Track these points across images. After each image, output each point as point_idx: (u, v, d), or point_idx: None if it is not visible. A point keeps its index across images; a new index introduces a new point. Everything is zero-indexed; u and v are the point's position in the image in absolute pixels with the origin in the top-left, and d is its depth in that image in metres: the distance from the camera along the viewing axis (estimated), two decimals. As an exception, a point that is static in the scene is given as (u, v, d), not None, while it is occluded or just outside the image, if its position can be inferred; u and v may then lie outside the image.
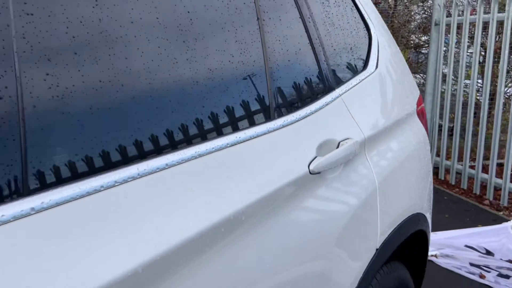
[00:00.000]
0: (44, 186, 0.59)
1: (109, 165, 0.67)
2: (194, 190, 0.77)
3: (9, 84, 0.57)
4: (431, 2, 5.20)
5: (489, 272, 2.79)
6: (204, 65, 0.88)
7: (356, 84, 1.35)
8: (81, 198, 0.61)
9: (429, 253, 2.58)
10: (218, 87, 0.90)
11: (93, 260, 0.59)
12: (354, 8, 1.52)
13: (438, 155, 4.68)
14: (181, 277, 0.70)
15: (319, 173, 1.05)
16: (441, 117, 4.74)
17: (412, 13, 5.56)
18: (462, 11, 4.32)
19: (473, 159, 4.39)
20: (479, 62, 4.41)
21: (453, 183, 4.43)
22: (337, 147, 1.15)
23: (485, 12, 4.09)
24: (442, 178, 4.55)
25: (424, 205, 1.55)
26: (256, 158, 0.93)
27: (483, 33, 4.22)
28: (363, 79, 1.39)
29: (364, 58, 1.49)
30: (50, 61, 0.62)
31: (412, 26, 5.47)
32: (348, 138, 1.19)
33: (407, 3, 5.44)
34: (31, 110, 0.59)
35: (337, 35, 1.36)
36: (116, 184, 0.65)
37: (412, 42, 5.58)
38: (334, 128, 1.18)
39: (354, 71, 1.40)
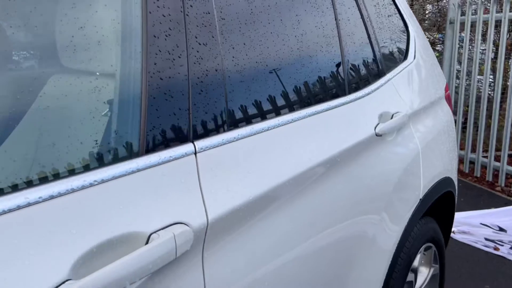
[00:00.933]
0: (241, 121, 0.96)
1: (279, 112, 1.04)
2: (311, 137, 1.14)
3: (217, 57, 0.94)
4: (445, 1, 5.55)
5: (502, 245, 3.14)
6: (306, 53, 1.25)
7: (401, 71, 1.72)
8: (271, 129, 0.99)
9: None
10: (317, 70, 1.27)
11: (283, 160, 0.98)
12: (396, 10, 1.89)
13: (452, 146, 5.02)
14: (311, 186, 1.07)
15: (381, 135, 1.42)
16: (454, 113, 5.09)
17: (427, 12, 5.92)
18: (476, 10, 4.67)
19: (485, 150, 4.74)
20: (491, 59, 4.76)
21: (466, 171, 4.79)
22: (391, 118, 1.51)
23: (497, 12, 4.44)
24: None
25: (453, 172, 1.92)
26: (341, 121, 1.30)
27: (495, 31, 4.56)
28: (405, 67, 1.76)
29: (405, 50, 1.86)
30: (238, 38, 0.99)
31: (426, 24, 5.82)
32: (398, 112, 1.56)
33: (422, 3, 5.80)
34: (227, 70, 0.96)
35: (386, 31, 1.73)
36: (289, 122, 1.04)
37: (427, 39, 5.95)
38: (388, 103, 1.55)
39: (398, 60, 1.77)
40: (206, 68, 0.92)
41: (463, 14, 4.90)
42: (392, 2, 1.89)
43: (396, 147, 1.50)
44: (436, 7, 5.84)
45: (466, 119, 4.99)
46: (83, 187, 0.67)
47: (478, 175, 4.67)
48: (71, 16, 0.72)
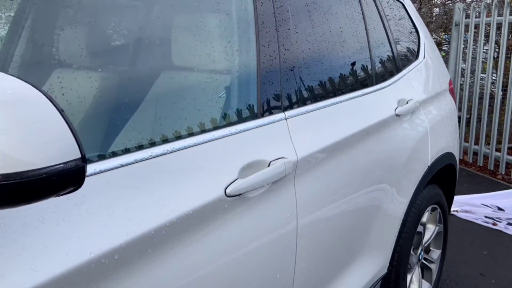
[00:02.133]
0: (310, 100, 1.48)
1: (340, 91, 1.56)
2: (352, 114, 1.66)
3: (294, 58, 1.46)
4: (451, 5, 6.04)
5: (500, 222, 3.65)
6: (347, 55, 1.76)
7: (413, 68, 2.23)
8: (326, 107, 1.51)
9: (452, 209, 3.44)
10: (353, 67, 1.78)
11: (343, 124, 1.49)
12: (409, 19, 2.40)
13: (457, 139, 5.53)
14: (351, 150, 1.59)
15: (399, 116, 1.93)
16: (459, 109, 5.59)
17: (434, 15, 6.42)
18: (479, 14, 5.17)
19: (487, 142, 5.25)
20: (494, 58, 5.26)
21: (470, 161, 5.29)
22: (406, 103, 2.03)
23: (498, 15, 4.94)
24: (461, 158, 5.40)
25: (455, 149, 2.43)
26: (371, 103, 1.81)
27: (497, 32, 5.06)
28: (417, 65, 2.27)
29: (416, 50, 2.37)
30: (308, 39, 1.51)
31: (433, 26, 6.34)
32: (412, 99, 2.07)
33: (430, 6, 6.30)
34: (301, 67, 1.48)
35: (402, 35, 2.25)
36: (337, 103, 1.55)
37: (434, 40, 6.45)
38: (404, 92, 2.06)
39: (411, 59, 2.28)
40: (289, 65, 1.44)
41: (467, 17, 5.41)
42: (406, 14, 2.41)
43: (411, 125, 2.02)
44: (443, 10, 6.35)
45: (470, 114, 5.49)
46: (235, 132, 1.18)
47: (481, 165, 5.17)
48: (236, 38, 1.24)
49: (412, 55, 2.32)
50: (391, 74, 2.05)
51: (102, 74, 0.98)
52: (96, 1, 1.01)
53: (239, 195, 1.11)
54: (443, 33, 6.37)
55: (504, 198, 4.08)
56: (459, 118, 5.52)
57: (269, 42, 1.37)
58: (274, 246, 1.24)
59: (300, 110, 1.44)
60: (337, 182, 1.52)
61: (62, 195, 0.60)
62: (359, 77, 1.82)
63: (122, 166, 0.91)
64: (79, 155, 0.58)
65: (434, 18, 6.40)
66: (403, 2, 2.43)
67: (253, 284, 1.19)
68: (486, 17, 5.08)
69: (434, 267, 2.47)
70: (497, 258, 3.08)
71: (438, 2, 6.21)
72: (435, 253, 2.50)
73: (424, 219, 2.26)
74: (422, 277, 2.40)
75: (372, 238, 1.81)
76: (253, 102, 1.29)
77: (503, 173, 4.91)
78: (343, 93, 1.68)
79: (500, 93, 5.08)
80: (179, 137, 1.05)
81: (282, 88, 1.39)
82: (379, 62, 1.99)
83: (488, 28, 5.15)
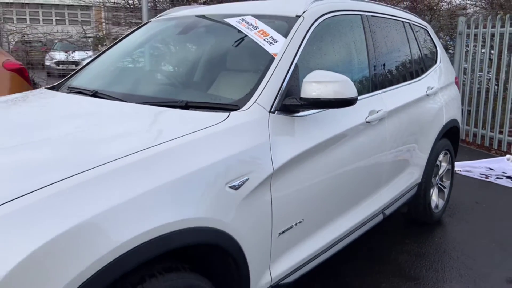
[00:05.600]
0: (389, 84, 3.12)
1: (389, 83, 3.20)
2: (406, 93, 3.30)
3: (373, 65, 3.11)
4: (455, 17, 7.66)
5: (491, 176, 5.29)
6: (401, 62, 3.40)
7: (434, 68, 3.88)
8: (396, 89, 3.15)
9: (456, 169, 5.07)
10: (404, 69, 3.42)
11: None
12: (430, 37, 4.05)
13: (460, 123, 7.16)
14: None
15: (428, 95, 3.57)
16: (462, 103, 7.21)
17: (441, 24, 8.06)
18: (478, 25, 6.80)
19: (484, 127, 6.87)
20: (489, 59, 6.88)
21: (471, 140, 6.94)
22: (431, 89, 3.66)
23: (492, 27, 6.57)
24: (463, 138, 7.04)
25: (458, 117, 4.09)
26: (412, 88, 3.45)
27: (492, 39, 6.67)
28: (436, 67, 3.92)
29: (435, 58, 4.02)
30: (383, 54, 3.16)
31: (441, 34, 7.98)
32: (434, 87, 3.71)
33: (438, 18, 7.94)
34: (380, 75, 3.12)
35: (427, 48, 3.89)
36: (397, 88, 3.19)
37: (442, 45, 8.10)
38: (430, 83, 3.71)
39: (432, 63, 3.93)
40: (380, 68, 3.07)
41: (468, 27, 7.04)
42: (429, 35, 4.05)
43: (434, 101, 3.66)
44: (449, 21, 7.98)
45: (471, 106, 7.12)
46: (366, 97, 2.81)
47: (479, 143, 6.81)
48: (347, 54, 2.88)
49: (433, 61, 3.96)
50: (422, 72, 3.69)
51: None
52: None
53: (369, 122, 2.73)
54: (449, 40, 8.00)
55: (494, 163, 5.73)
56: (462, 110, 7.15)
57: (373, 56, 3.01)
58: (381, 150, 2.86)
59: (385, 90, 3.07)
60: (402, 125, 3.15)
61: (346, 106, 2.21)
62: (408, 74, 3.46)
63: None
64: (356, 94, 2.20)
65: (441, 28, 8.02)
66: (427, 28, 4.06)
67: (371, 165, 2.81)
68: (483, 28, 6.72)
69: (446, 191, 4.10)
70: (487, 195, 4.71)
71: (445, 14, 7.85)
72: (446, 183, 4.14)
73: (440, 158, 3.90)
74: (439, 196, 4.03)
75: (414, 159, 3.44)
76: (369, 85, 2.92)
77: (496, 148, 6.55)
78: (400, 82, 3.32)
79: (494, 87, 6.71)
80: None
81: (377, 79, 3.02)
82: (416, 65, 3.63)
83: (485, 36, 6.77)
